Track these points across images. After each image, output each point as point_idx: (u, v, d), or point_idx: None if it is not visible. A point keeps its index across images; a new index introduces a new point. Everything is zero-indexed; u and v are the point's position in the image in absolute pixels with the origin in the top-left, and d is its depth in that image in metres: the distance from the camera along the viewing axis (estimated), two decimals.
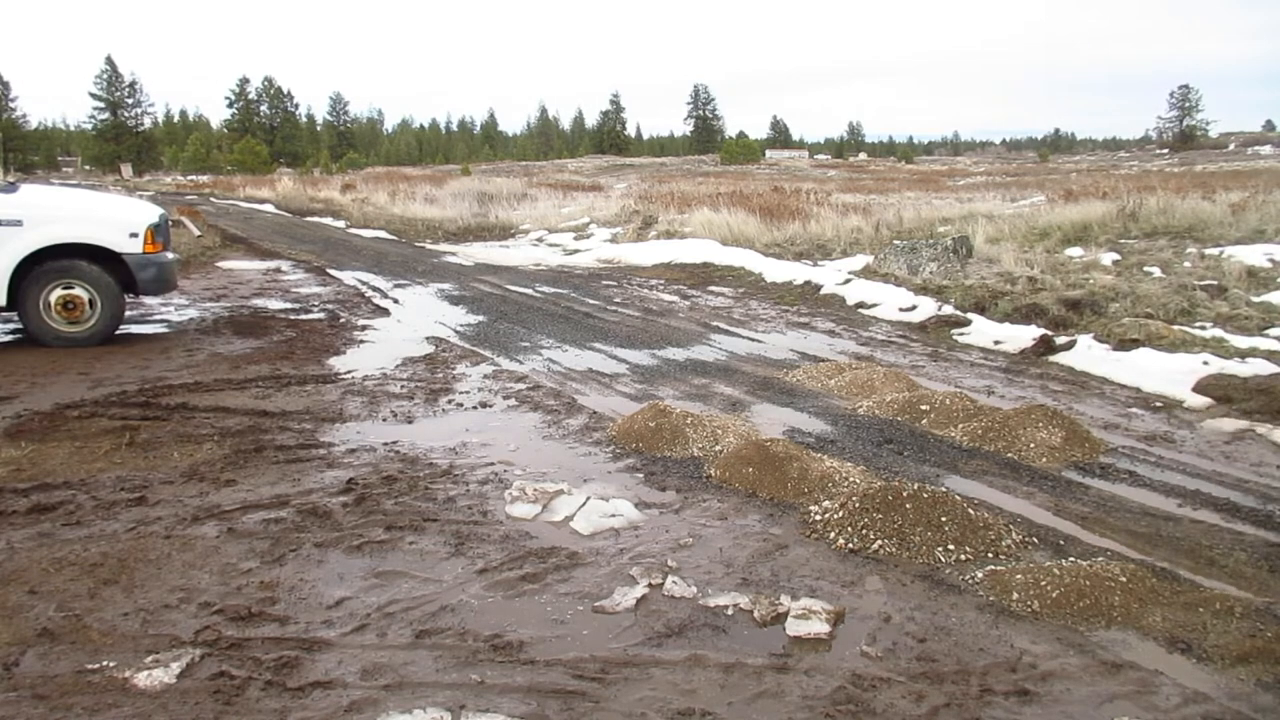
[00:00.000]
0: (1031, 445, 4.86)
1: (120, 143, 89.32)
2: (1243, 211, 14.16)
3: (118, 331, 7.74)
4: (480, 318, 9.16)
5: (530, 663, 2.83)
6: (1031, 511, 4.08)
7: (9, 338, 7.87)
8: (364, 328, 8.53)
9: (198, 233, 15.57)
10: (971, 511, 3.81)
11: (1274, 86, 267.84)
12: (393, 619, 3.09)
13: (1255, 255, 10.91)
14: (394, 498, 4.17)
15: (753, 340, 8.09)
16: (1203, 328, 7.72)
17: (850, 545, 3.68)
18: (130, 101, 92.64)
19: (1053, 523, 3.95)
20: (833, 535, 3.75)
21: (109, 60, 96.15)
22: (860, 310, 9.67)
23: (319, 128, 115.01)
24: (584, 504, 4.11)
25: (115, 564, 3.44)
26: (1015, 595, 3.25)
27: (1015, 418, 5.09)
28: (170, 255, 8.03)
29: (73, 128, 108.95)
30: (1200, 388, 6.04)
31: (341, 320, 8.88)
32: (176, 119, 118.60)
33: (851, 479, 4.37)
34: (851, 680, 2.74)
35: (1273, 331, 7.60)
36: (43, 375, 6.43)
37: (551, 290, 11.15)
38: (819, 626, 3.04)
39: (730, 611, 3.15)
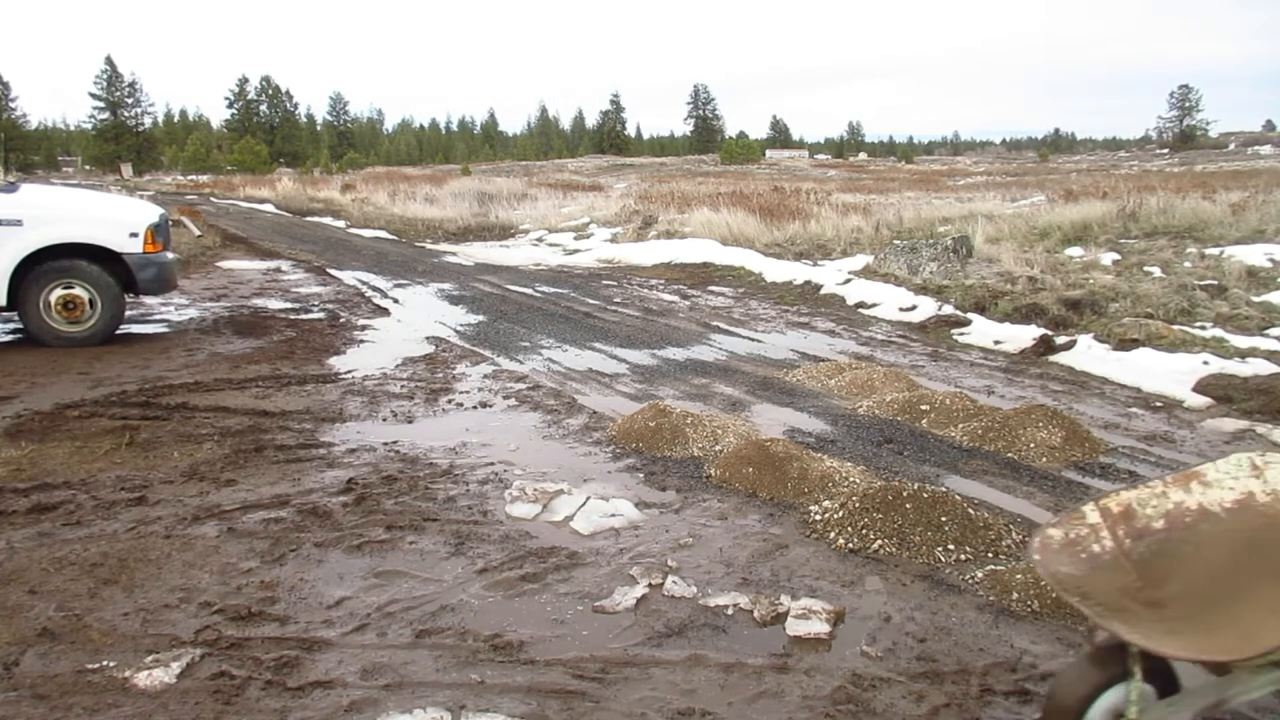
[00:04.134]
0: (1031, 445, 4.86)
1: (120, 143, 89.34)
2: (1243, 211, 14.16)
3: (118, 331, 7.75)
4: (480, 317, 9.16)
5: (530, 663, 2.83)
6: (1031, 511, 4.08)
7: (9, 338, 7.87)
8: (364, 327, 8.53)
9: (198, 233, 15.56)
10: (971, 511, 3.81)
11: (1274, 86, 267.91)
12: (393, 619, 3.09)
13: (1255, 255, 10.91)
14: (394, 497, 4.17)
15: (753, 340, 8.09)
16: (1203, 328, 7.72)
17: (850, 545, 3.68)
18: (130, 101, 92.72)
19: None
20: (833, 535, 3.75)
21: (109, 60, 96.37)
22: (860, 310, 9.67)
23: (319, 128, 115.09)
24: (584, 504, 4.11)
25: (115, 564, 3.44)
26: (1015, 595, 3.24)
27: (1015, 418, 5.09)
28: (170, 255, 8.03)
29: (73, 128, 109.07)
30: (1200, 388, 6.04)
31: (341, 320, 8.88)
32: (176, 119, 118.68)
33: (851, 479, 4.37)
34: (851, 680, 2.74)
35: (1273, 331, 7.60)
36: (43, 375, 6.43)
37: (551, 290, 11.15)
38: (819, 626, 3.04)
39: (730, 611, 3.15)
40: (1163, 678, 2.18)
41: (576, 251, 16.22)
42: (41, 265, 7.28)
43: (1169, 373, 6.38)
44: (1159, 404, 5.93)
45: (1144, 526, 2.41)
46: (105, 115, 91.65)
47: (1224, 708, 2.14)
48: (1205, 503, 2.44)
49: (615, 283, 12.01)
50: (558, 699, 2.65)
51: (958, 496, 3.93)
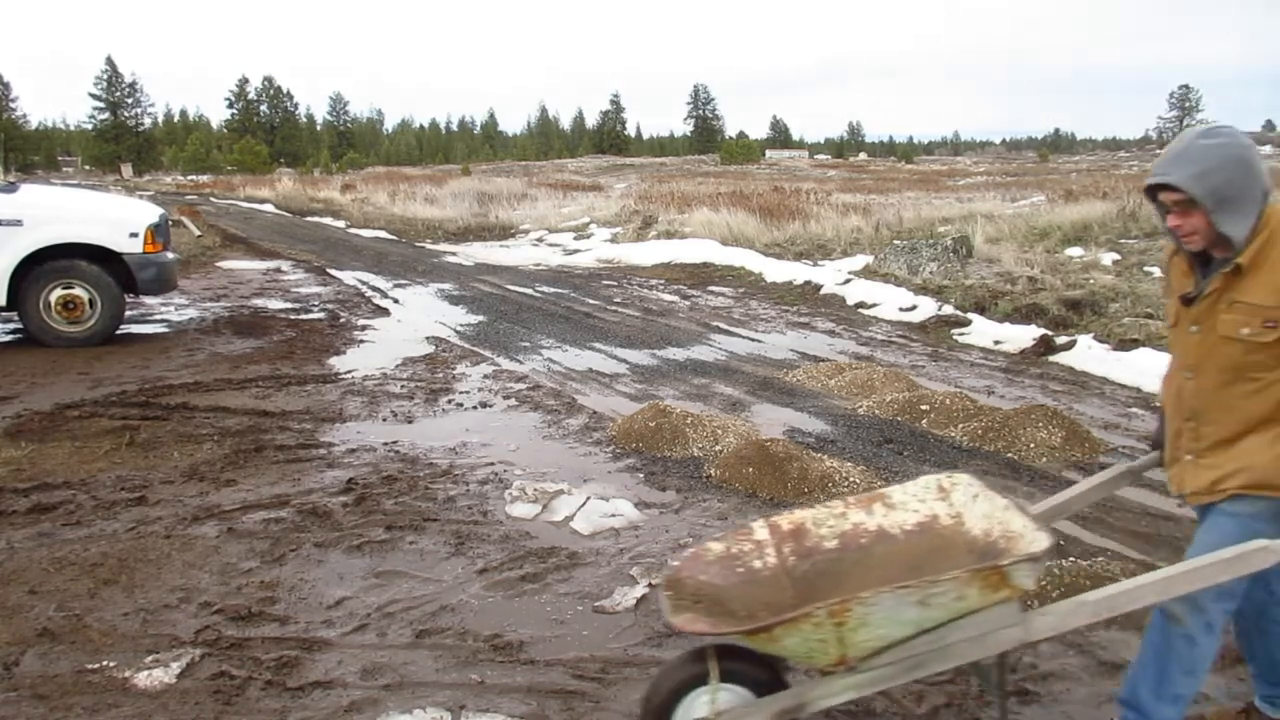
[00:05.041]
0: (1031, 445, 4.86)
1: (120, 143, 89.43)
2: None
3: (118, 331, 7.75)
4: (480, 317, 9.16)
5: (530, 663, 2.83)
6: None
7: (9, 338, 7.87)
8: (364, 327, 8.53)
9: (198, 233, 15.57)
10: None
11: (1274, 86, 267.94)
12: (393, 619, 3.09)
13: None
14: (394, 497, 4.17)
15: (753, 340, 8.09)
16: None
17: None
18: (130, 101, 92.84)
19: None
20: None
21: (109, 60, 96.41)
22: (860, 310, 9.67)
23: (319, 128, 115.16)
24: (584, 504, 4.11)
25: (115, 564, 3.44)
26: None
27: (1015, 418, 5.09)
28: (170, 255, 8.04)
29: (73, 128, 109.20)
30: None
31: (341, 320, 8.88)
32: (176, 119, 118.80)
33: (851, 479, 4.37)
34: None
35: None
36: (43, 375, 6.43)
37: (551, 290, 11.15)
38: None
39: None
40: (756, 680, 2.11)
41: (576, 252, 16.21)
42: (41, 265, 7.27)
43: None
44: (1159, 404, 5.92)
45: (814, 546, 2.38)
46: (105, 115, 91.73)
47: (804, 711, 2.08)
48: (885, 524, 2.41)
49: (615, 283, 12.01)
50: (558, 699, 2.65)
51: None
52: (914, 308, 9.30)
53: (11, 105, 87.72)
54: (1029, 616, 2.05)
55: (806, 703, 2.07)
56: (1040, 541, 2.03)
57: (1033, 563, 1.96)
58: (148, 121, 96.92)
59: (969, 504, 2.36)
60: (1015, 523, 2.19)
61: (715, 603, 2.20)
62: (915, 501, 2.43)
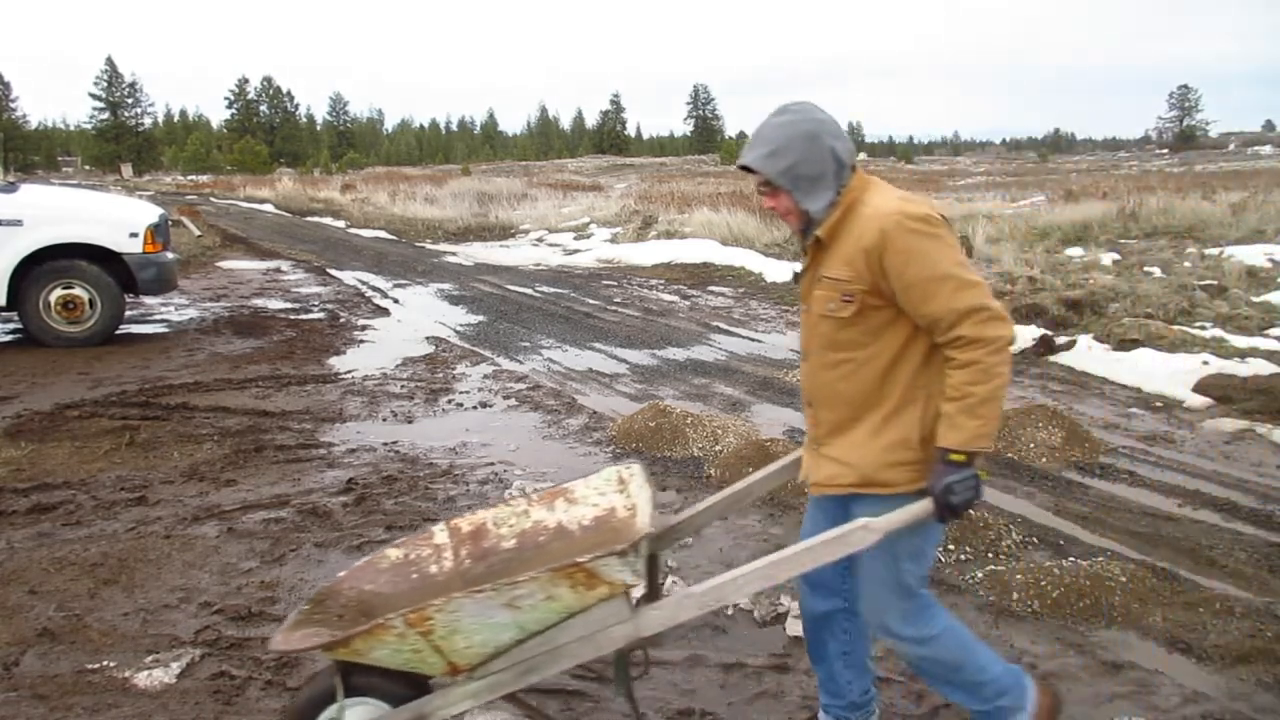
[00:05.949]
0: (1031, 445, 4.86)
1: (120, 143, 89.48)
2: (1243, 211, 14.18)
3: (118, 331, 7.75)
4: (480, 317, 9.16)
5: None
6: (1031, 511, 4.08)
7: (9, 338, 7.87)
8: (364, 327, 8.53)
9: (198, 233, 15.58)
10: (971, 511, 3.80)
11: (1274, 86, 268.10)
12: None
13: (1255, 255, 10.91)
14: (394, 497, 4.17)
15: (753, 340, 8.09)
16: (1203, 328, 7.72)
17: None
18: (130, 101, 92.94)
19: (1053, 523, 3.95)
20: None
21: (109, 60, 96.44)
22: None
23: (319, 128, 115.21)
24: None
25: (115, 564, 3.44)
26: (1015, 595, 3.24)
27: (1015, 418, 5.08)
28: (170, 255, 8.04)
29: (73, 128, 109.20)
30: (1200, 388, 6.04)
31: (341, 320, 8.88)
32: (176, 119, 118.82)
33: None
34: None
35: (1273, 331, 7.60)
36: (43, 375, 6.43)
37: (551, 290, 11.16)
38: None
39: (730, 611, 3.15)
40: (395, 694, 2.01)
41: (576, 252, 16.21)
42: (41, 265, 7.28)
43: (1169, 373, 6.37)
44: (1159, 404, 5.93)
45: (492, 546, 2.28)
46: (105, 115, 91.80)
47: None
48: (565, 521, 2.31)
49: (615, 283, 12.01)
50: (558, 699, 2.65)
51: None
52: None
53: (11, 105, 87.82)
54: (639, 612, 1.96)
55: (426, 714, 1.98)
56: (632, 535, 1.93)
57: (620, 557, 1.84)
58: (148, 121, 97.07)
59: (641, 494, 2.26)
60: (652, 515, 2.12)
61: (366, 614, 2.08)
62: (596, 495, 2.33)
